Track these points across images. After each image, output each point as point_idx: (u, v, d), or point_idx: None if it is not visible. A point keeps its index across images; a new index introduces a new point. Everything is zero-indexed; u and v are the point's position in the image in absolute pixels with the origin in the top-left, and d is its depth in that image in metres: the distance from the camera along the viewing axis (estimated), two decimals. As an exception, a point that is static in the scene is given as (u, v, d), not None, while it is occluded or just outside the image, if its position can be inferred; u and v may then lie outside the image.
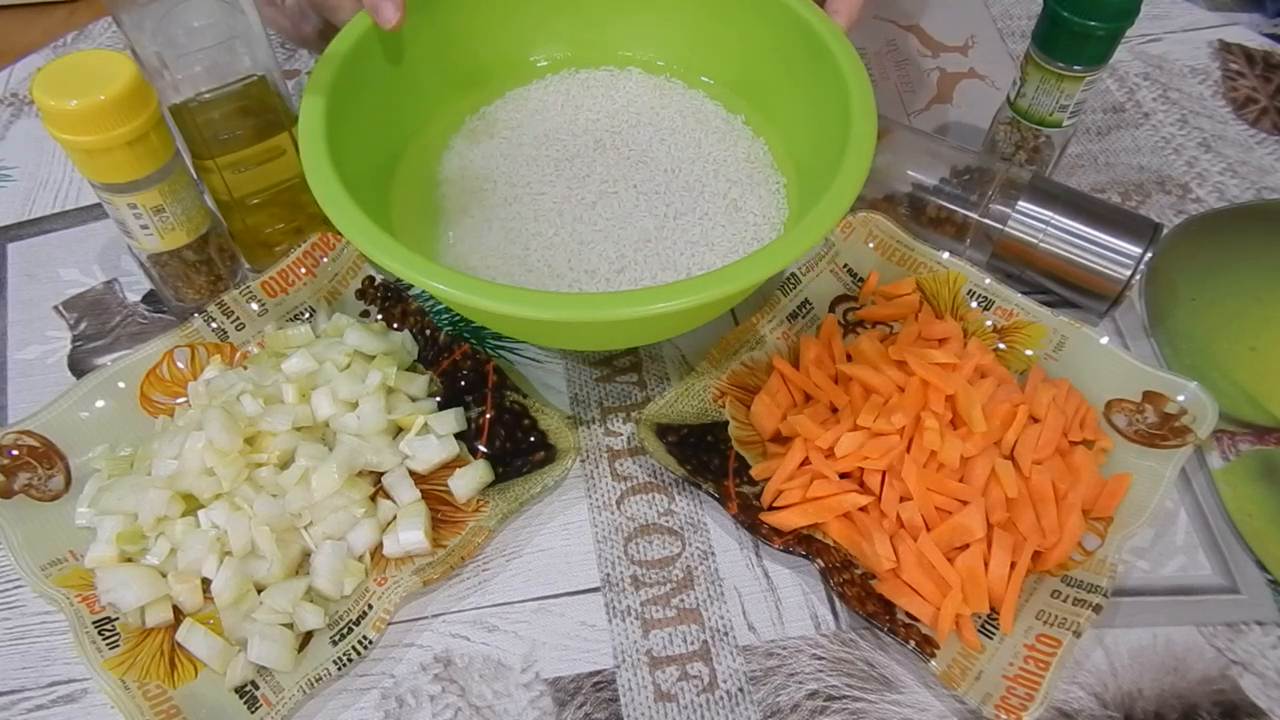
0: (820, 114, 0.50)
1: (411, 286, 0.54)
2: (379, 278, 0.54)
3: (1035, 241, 0.53)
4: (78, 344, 0.55)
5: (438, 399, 0.51)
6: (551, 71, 0.59)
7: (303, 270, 0.53)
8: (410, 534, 0.45)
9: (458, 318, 0.54)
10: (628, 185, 0.53)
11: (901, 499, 0.45)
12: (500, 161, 0.55)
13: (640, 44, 0.59)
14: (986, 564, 0.44)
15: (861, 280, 0.54)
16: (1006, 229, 0.53)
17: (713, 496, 0.46)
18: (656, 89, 0.58)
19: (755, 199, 0.53)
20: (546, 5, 0.57)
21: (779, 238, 0.45)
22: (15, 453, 0.47)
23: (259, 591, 0.44)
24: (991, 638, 0.43)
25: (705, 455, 0.48)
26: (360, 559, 0.46)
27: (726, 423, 0.49)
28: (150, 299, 0.57)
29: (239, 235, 0.54)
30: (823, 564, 0.44)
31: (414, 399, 0.50)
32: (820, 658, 0.44)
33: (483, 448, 0.49)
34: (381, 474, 0.47)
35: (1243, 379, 0.52)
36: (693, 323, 0.50)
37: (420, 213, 0.53)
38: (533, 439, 0.49)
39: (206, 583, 0.44)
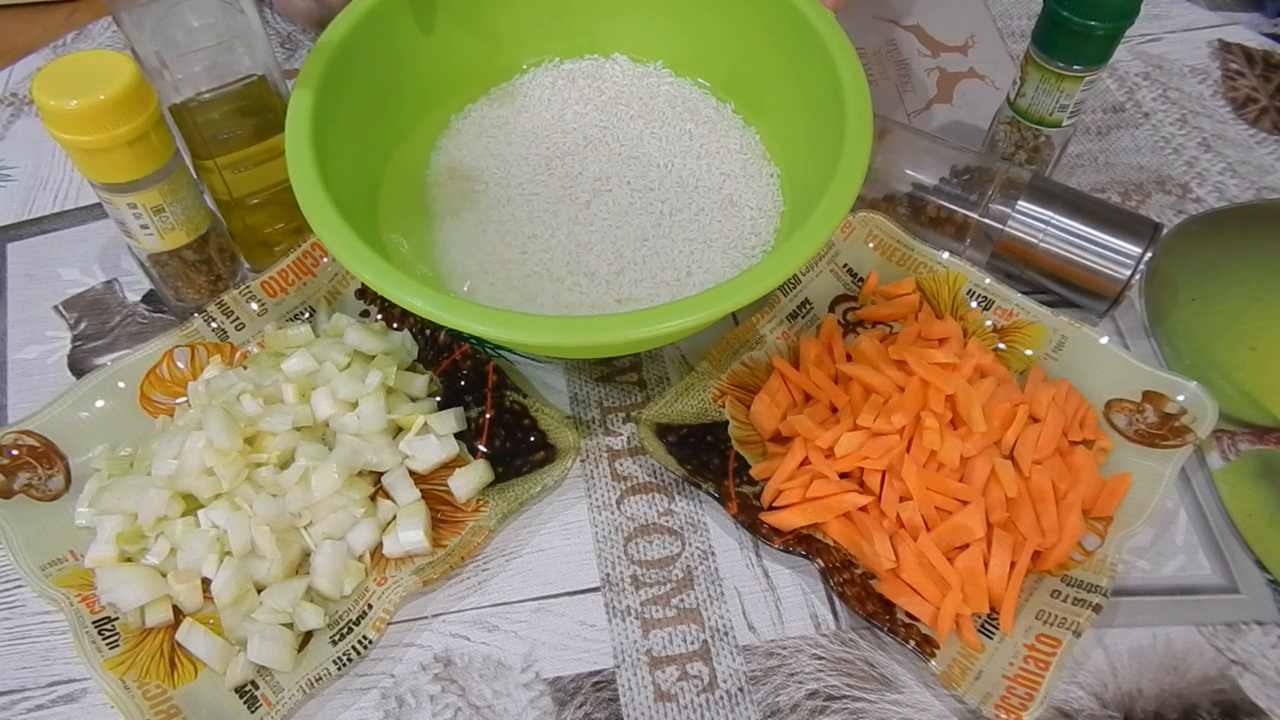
0: (810, 99, 0.50)
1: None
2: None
3: (1035, 241, 0.53)
4: (78, 344, 0.55)
5: (438, 399, 0.51)
6: (535, 65, 0.58)
7: (303, 270, 0.53)
8: (410, 534, 0.45)
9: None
10: (621, 182, 0.53)
11: (901, 499, 0.45)
12: (490, 161, 0.54)
13: (625, 36, 0.58)
14: (986, 564, 0.44)
15: (861, 280, 0.54)
16: (1006, 229, 0.53)
17: (713, 496, 0.46)
18: (642, 78, 0.58)
19: (750, 192, 0.53)
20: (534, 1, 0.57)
21: (780, 246, 0.44)
22: (15, 453, 0.47)
23: (259, 591, 0.44)
24: (991, 637, 0.43)
25: (705, 455, 0.48)
26: (360, 559, 0.46)
27: (726, 423, 0.49)
28: (150, 299, 0.57)
29: (239, 235, 0.54)
30: (823, 564, 0.44)
31: (414, 399, 0.50)
32: (820, 657, 0.44)
33: (483, 448, 0.49)
34: (381, 474, 0.47)
35: (1243, 379, 0.52)
36: (692, 332, 0.50)
37: (412, 217, 0.52)
38: (533, 439, 0.49)
39: (206, 583, 0.44)
